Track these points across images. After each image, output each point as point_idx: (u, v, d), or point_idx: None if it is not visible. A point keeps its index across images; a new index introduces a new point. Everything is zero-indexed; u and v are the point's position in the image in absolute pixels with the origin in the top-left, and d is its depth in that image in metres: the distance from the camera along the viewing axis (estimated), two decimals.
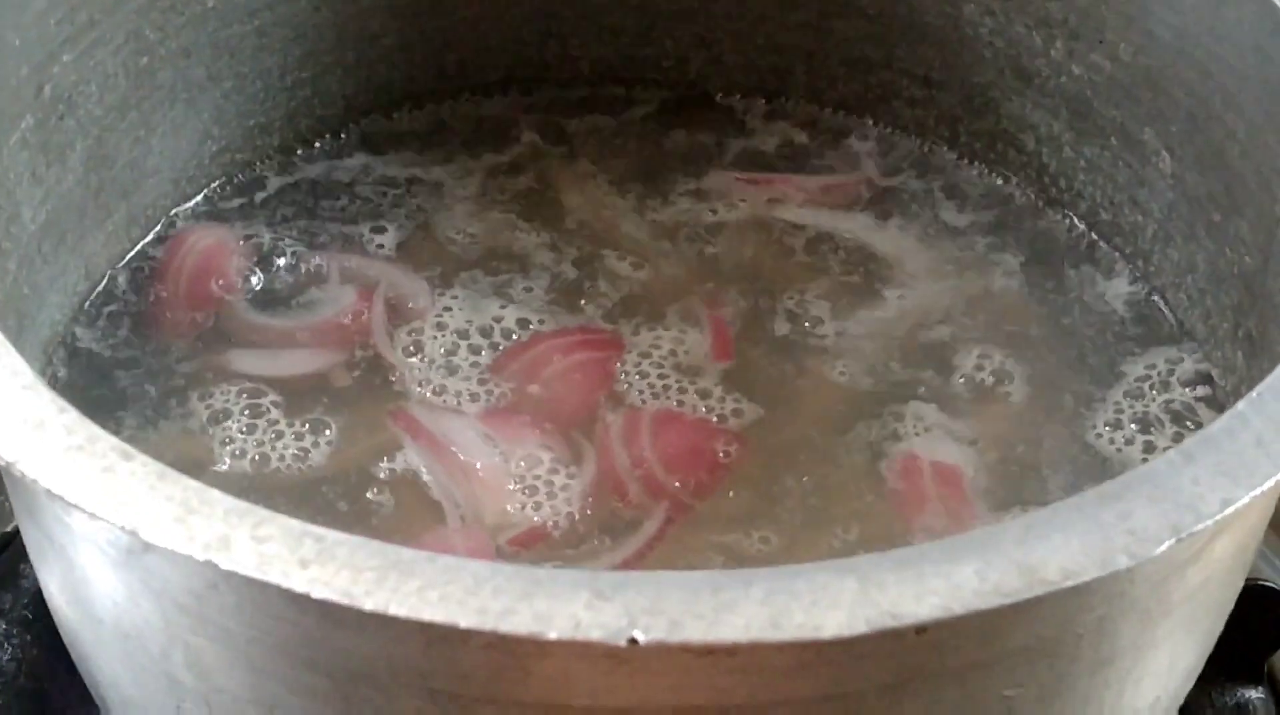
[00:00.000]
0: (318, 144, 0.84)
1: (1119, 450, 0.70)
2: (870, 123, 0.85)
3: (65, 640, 0.61)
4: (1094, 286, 0.77)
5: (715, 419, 0.71)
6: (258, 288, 0.77)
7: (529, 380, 0.72)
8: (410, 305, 0.76)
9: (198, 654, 0.51)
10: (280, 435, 0.69)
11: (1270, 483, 0.48)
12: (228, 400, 0.71)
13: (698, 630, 0.44)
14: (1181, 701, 0.62)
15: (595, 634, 0.44)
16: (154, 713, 0.56)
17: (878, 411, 0.71)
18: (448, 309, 0.75)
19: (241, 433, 0.69)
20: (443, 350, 0.73)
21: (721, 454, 0.69)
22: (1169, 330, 0.74)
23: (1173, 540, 0.46)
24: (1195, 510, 0.47)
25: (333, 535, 0.46)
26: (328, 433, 0.70)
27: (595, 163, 0.84)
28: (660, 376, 0.72)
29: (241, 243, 0.78)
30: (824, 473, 0.69)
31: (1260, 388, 0.51)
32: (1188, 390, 0.72)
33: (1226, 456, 0.48)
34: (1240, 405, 0.50)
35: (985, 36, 0.79)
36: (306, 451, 0.69)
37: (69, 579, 0.56)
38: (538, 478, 0.68)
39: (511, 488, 0.67)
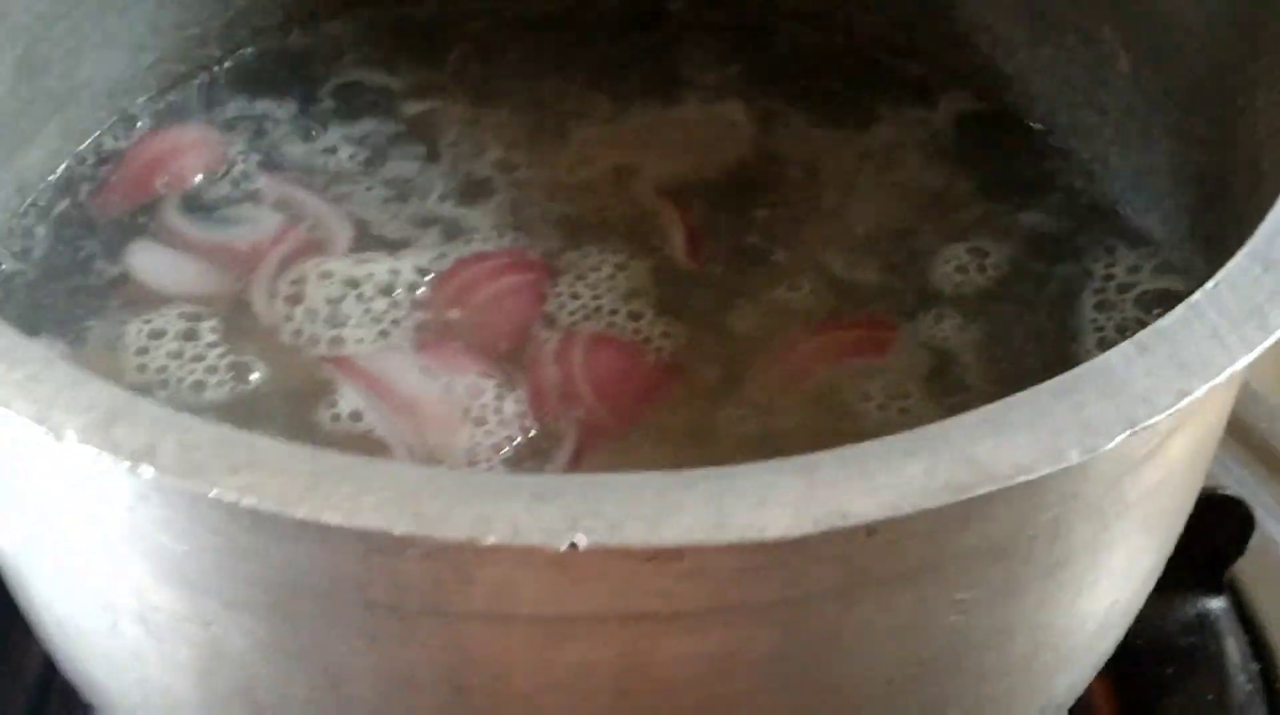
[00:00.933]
0: (255, 56, 0.81)
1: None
2: (825, 30, 0.83)
3: (3, 568, 0.60)
4: (1053, 191, 0.75)
5: (654, 343, 0.69)
6: (193, 191, 0.75)
7: (457, 307, 0.70)
8: (324, 247, 0.73)
9: (130, 571, 0.50)
10: (210, 367, 0.68)
11: (1226, 374, 0.46)
12: (165, 322, 0.69)
13: (639, 532, 0.43)
14: (1140, 605, 0.61)
15: (535, 537, 0.42)
16: (90, 633, 0.55)
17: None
18: (357, 253, 0.73)
19: (170, 358, 0.68)
20: (325, 298, 0.70)
21: (657, 375, 0.68)
22: (1129, 234, 0.73)
23: (1127, 433, 0.45)
24: (1150, 402, 0.46)
25: (264, 441, 0.44)
26: (257, 374, 0.68)
27: (537, 77, 0.82)
28: (594, 298, 0.70)
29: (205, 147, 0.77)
30: (768, 394, 0.67)
31: (1215, 279, 0.49)
32: (1149, 304, 0.70)
33: (1181, 348, 0.47)
34: (1195, 296, 0.49)
35: None
36: (238, 387, 0.67)
37: (1, 499, 0.55)
38: (485, 407, 0.66)
39: (459, 418, 0.66)
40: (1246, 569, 0.78)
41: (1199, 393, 0.46)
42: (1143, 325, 0.66)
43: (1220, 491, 0.76)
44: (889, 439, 0.45)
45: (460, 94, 0.81)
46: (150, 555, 0.49)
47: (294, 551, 0.46)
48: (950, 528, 0.47)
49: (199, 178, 0.76)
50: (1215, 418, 0.55)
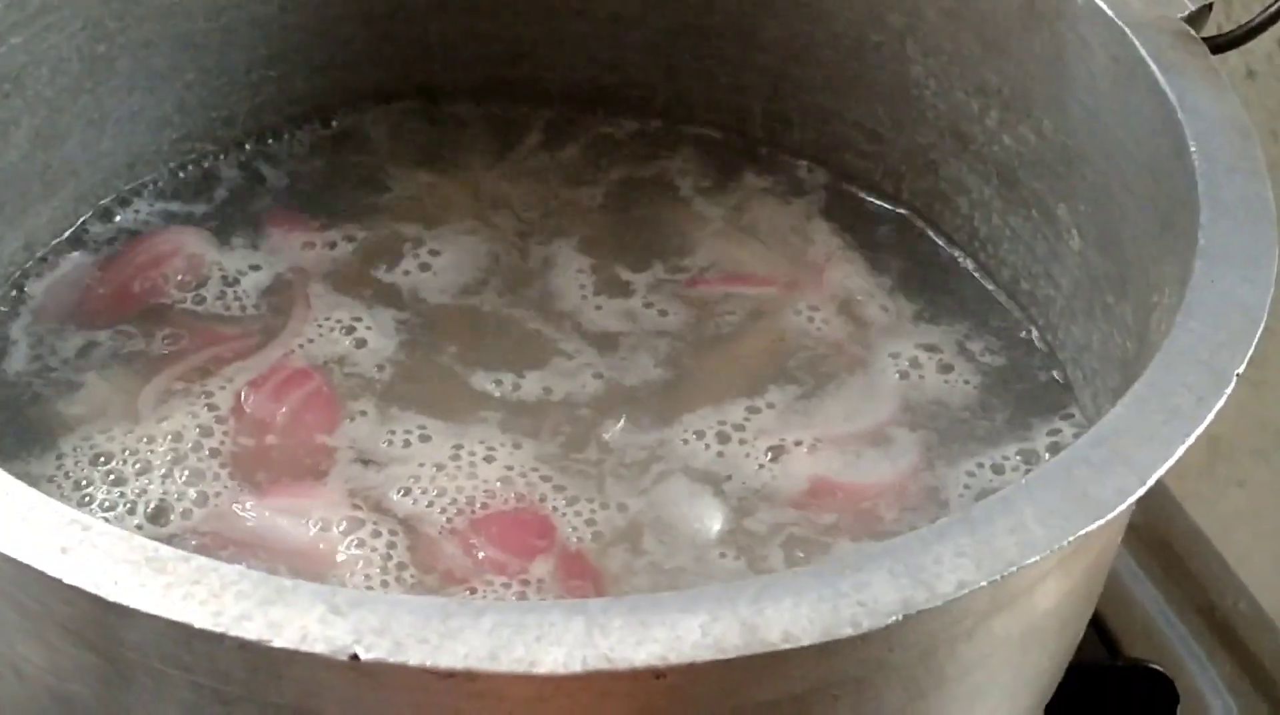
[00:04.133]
0: (281, 139, 0.85)
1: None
2: (822, 171, 0.86)
3: None
4: (1009, 353, 0.78)
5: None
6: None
7: (265, 433, 0.72)
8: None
9: (2, 622, 0.54)
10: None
11: (1011, 570, 0.49)
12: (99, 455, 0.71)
13: (418, 654, 0.46)
14: None
15: (320, 647, 0.46)
16: None
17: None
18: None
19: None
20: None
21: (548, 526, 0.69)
22: (1064, 404, 0.75)
23: (900, 616, 0.47)
24: (930, 588, 0.48)
25: (101, 526, 0.48)
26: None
27: (537, 190, 0.86)
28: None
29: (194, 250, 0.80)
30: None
31: (1030, 477, 0.52)
32: None
33: (977, 540, 0.49)
34: (1008, 491, 0.51)
35: (929, 98, 0.80)
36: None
37: None
38: (371, 545, 0.67)
39: (344, 559, 0.67)
40: None
41: (979, 585, 0.48)
42: None
43: (1148, 664, 0.78)
44: (679, 593, 0.48)
45: (452, 190, 0.85)
46: (14, 609, 0.52)
47: (127, 629, 0.49)
48: (742, 680, 0.49)
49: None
50: (1051, 601, 0.57)
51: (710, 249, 0.83)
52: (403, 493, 0.69)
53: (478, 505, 0.69)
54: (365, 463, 0.71)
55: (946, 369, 0.77)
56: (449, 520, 0.68)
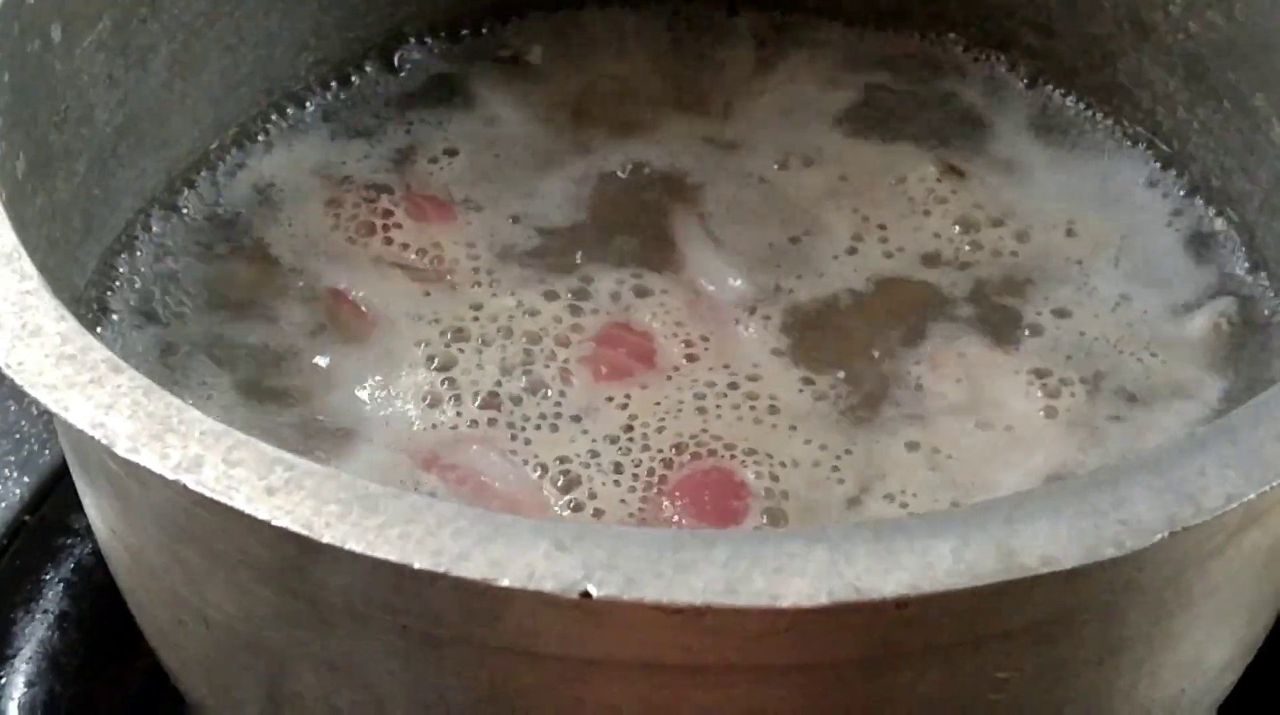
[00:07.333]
0: (421, 55, 0.82)
1: None
2: (987, 69, 0.82)
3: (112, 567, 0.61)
4: (1201, 252, 0.73)
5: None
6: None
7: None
8: None
9: (191, 570, 0.52)
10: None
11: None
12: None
13: (653, 589, 0.43)
14: (1220, 697, 0.59)
15: (548, 585, 0.43)
16: (163, 626, 0.57)
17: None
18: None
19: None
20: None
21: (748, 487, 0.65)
22: (1267, 308, 0.71)
23: (1166, 533, 0.44)
24: (1196, 503, 0.45)
25: (305, 464, 0.45)
26: None
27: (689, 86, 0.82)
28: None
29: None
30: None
31: None
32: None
33: (1241, 448, 0.46)
34: (1267, 394, 0.48)
35: None
36: None
37: (87, 493, 0.57)
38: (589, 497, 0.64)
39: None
40: None
41: (1249, 496, 0.45)
42: None
43: None
44: (923, 517, 0.45)
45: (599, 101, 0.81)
46: (206, 556, 0.50)
47: (333, 571, 0.46)
48: (985, 609, 0.46)
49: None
50: None
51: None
52: None
53: None
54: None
55: None
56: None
